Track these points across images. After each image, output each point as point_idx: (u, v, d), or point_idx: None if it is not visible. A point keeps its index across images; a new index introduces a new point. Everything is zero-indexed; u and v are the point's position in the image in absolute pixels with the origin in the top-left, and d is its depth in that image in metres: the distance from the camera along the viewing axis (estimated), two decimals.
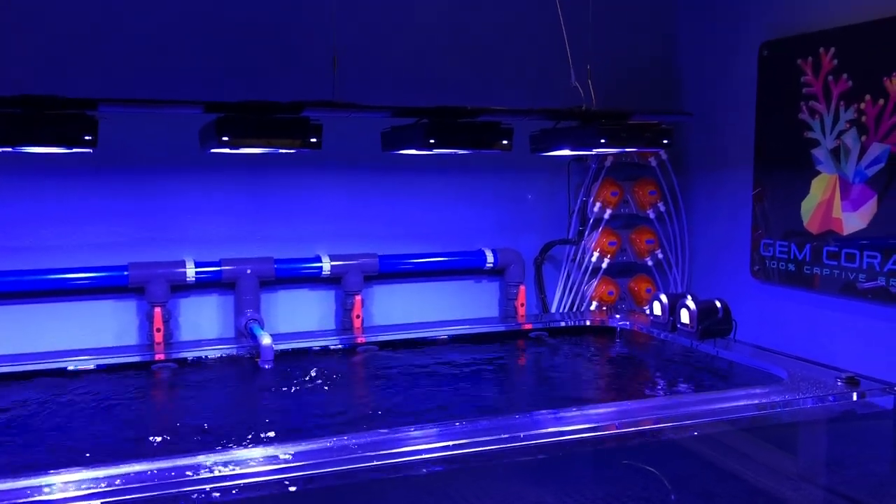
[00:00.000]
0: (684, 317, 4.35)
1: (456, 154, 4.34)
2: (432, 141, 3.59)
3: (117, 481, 2.60)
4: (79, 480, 2.60)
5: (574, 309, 5.44)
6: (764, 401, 3.41)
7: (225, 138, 3.27)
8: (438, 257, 5.14)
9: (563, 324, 5.15)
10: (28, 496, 2.52)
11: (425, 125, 3.63)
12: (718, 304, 4.30)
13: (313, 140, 3.42)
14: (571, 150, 4.15)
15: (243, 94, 3.62)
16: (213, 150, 3.57)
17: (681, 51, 5.58)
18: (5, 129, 3.06)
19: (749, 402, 3.40)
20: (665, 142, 4.00)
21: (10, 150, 3.19)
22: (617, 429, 3.27)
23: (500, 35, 5.19)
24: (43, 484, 2.57)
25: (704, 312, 4.29)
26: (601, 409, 3.47)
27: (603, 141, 3.82)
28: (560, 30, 4.27)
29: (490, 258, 5.16)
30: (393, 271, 5.04)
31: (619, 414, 3.36)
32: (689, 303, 4.33)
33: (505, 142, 3.74)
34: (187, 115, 3.77)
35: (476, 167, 5.21)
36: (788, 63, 4.62)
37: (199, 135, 3.73)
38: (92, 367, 4.15)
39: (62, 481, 2.59)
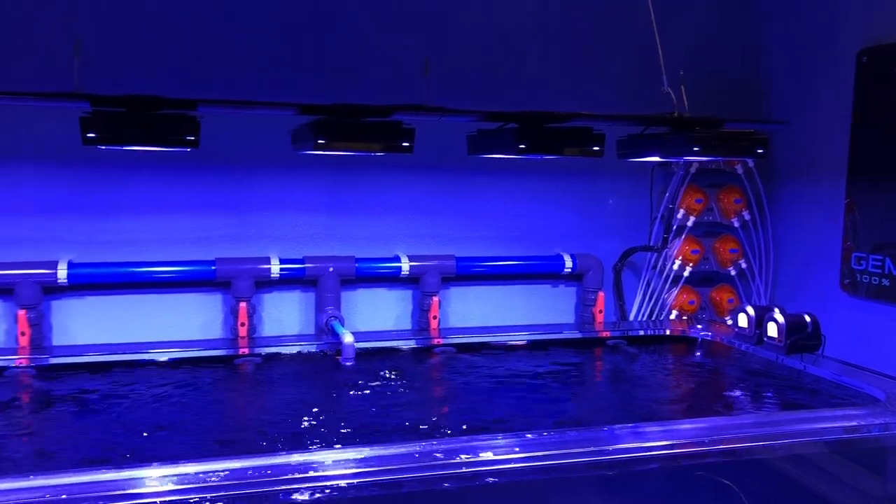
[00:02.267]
0: (772, 330, 4.24)
1: (537, 157, 4.28)
2: (522, 146, 3.56)
3: (204, 477, 2.65)
4: (165, 476, 2.65)
5: (653, 318, 5.35)
6: (861, 422, 3.29)
7: (321, 141, 3.30)
8: (516, 260, 5.11)
9: (641, 332, 5.06)
10: (113, 490, 2.57)
11: (515, 130, 3.61)
12: (808, 319, 4.17)
13: (405, 144, 3.44)
14: (661, 157, 4.08)
15: (335, 97, 3.66)
16: (305, 152, 3.62)
17: (773, 57, 5.42)
18: (111, 128, 3.16)
19: (846, 423, 3.29)
20: (760, 151, 3.89)
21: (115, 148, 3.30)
22: (700, 446, 3.19)
23: (589, 39, 5.13)
24: (129, 478, 2.63)
25: (793, 326, 4.17)
26: (684, 425, 3.38)
27: (696, 149, 3.74)
28: (652, 35, 4.19)
29: (568, 263, 5.11)
30: (470, 273, 5.03)
31: (707, 430, 3.27)
32: (778, 316, 4.21)
33: (596, 148, 3.69)
34: (278, 115, 3.84)
35: (556, 170, 5.16)
36: (889, 70, 4.44)
37: (291, 136, 3.79)
38: (178, 358, 4.26)
39: (149, 476, 2.64)
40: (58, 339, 4.45)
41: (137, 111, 3.16)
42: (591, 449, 3.04)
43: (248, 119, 4.45)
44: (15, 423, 3.47)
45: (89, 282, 4.41)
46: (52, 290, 4.38)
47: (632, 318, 5.40)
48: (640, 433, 3.21)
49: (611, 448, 3.07)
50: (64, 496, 2.53)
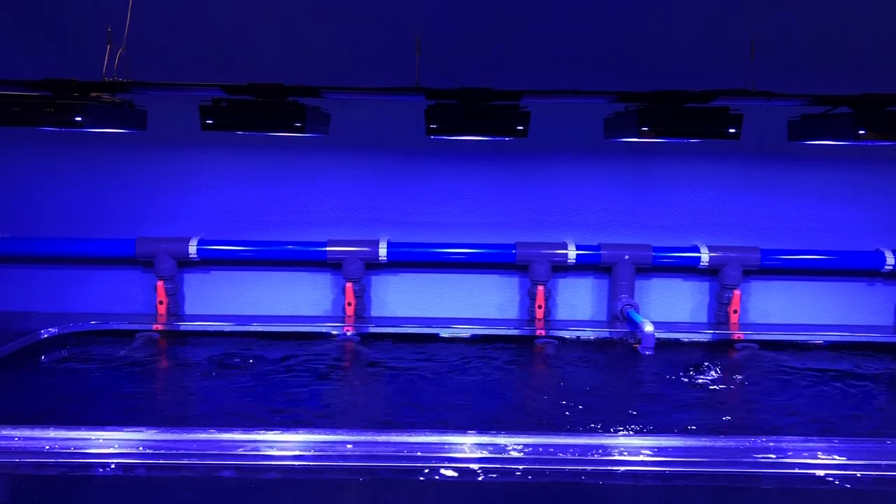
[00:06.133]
0: None
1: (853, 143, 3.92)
2: (862, 132, 3.29)
3: (514, 449, 2.83)
4: (474, 444, 2.86)
5: None
6: None
7: (644, 128, 3.30)
8: (827, 255, 4.75)
9: None
10: (428, 451, 2.83)
11: (855, 114, 3.35)
12: None
13: (732, 130, 3.33)
14: None
15: (652, 84, 3.61)
16: (620, 140, 3.64)
17: None
18: (451, 119, 3.39)
19: None
20: None
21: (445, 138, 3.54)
22: None
23: None
24: (443, 443, 2.88)
25: None
26: None
27: None
28: None
29: (890, 260, 4.65)
30: (774, 267, 4.76)
31: None
32: None
33: None
34: (582, 104, 3.85)
35: (876, 158, 4.70)
36: None
37: (604, 124, 3.82)
38: (480, 335, 4.52)
39: (450, 442, 2.87)
40: (376, 310, 4.91)
41: (474, 103, 3.36)
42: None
43: (554, 108, 4.50)
44: (338, 383, 3.91)
45: (404, 259, 4.80)
46: (373, 265, 4.83)
47: None
48: None
49: None
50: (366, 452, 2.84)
